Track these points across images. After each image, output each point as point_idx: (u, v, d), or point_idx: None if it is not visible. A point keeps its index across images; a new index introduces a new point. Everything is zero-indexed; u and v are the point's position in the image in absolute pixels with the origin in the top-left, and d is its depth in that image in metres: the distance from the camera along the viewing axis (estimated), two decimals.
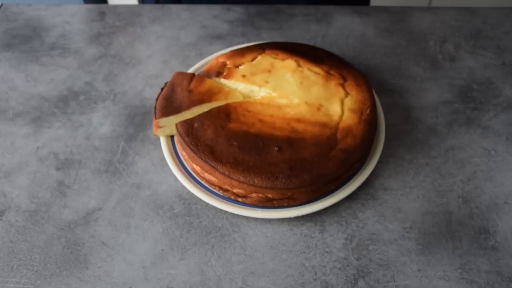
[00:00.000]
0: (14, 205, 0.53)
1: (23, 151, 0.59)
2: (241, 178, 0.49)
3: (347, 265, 0.48)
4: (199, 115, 0.54)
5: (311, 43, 0.73)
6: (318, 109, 0.54)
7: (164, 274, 0.48)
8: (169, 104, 0.56)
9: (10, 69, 0.69)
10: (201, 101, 0.56)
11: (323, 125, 0.53)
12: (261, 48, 0.62)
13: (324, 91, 0.56)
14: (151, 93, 0.66)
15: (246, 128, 0.52)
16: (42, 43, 0.73)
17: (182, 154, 0.55)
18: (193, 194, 0.53)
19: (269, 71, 0.59)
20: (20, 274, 0.48)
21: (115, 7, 0.80)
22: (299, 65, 0.59)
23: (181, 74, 0.59)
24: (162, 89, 0.58)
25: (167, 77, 0.68)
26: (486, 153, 0.58)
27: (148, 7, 0.80)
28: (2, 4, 0.81)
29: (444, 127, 0.61)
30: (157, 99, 0.57)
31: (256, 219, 0.52)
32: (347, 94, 0.56)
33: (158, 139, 0.59)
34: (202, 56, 0.70)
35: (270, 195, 0.50)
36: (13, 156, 0.58)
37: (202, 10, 0.79)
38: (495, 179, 0.55)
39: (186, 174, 0.53)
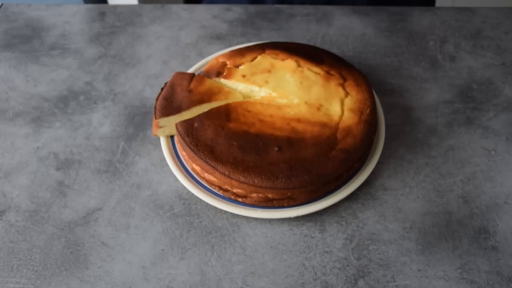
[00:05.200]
0: (14, 205, 0.53)
1: (23, 151, 0.59)
2: (241, 178, 0.49)
3: (347, 265, 0.48)
4: (199, 115, 0.54)
5: (311, 43, 0.73)
6: (318, 109, 0.54)
7: (164, 274, 0.48)
8: (169, 104, 0.56)
9: (10, 69, 0.69)
10: (201, 101, 0.56)
11: (323, 125, 0.53)
12: (261, 48, 0.62)
13: (324, 91, 0.56)
14: (151, 93, 0.66)
15: (246, 128, 0.52)
16: (42, 43, 0.73)
17: (182, 154, 0.55)
18: (193, 194, 0.53)
19: (269, 71, 0.59)
20: (20, 274, 0.48)
21: (115, 7, 0.80)
22: (299, 65, 0.59)
23: (181, 74, 0.59)
24: (162, 89, 0.58)
25: (167, 77, 0.68)
26: (486, 153, 0.58)
27: (148, 7, 0.80)
28: (2, 4, 0.81)
29: (444, 127, 0.61)
30: (157, 99, 0.57)
31: (256, 219, 0.52)
32: (347, 94, 0.57)
33: (158, 139, 0.59)
34: (202, 56, 0.70)
35: (270, 195, 0.50)
36: (13, 156, 0.58)
37: (202, 10, 0.79)
38: (495, 179, 0.55)
39: (186, 174, 0.54)
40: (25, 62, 0.70)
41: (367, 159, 0.55)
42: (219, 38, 0.74)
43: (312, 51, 0.62)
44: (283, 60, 0.60)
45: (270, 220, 0.52)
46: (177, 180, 0.55)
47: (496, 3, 0.84)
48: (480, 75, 0.68)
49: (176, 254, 0.49)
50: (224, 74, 0.59)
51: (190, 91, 0.57)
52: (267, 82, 0.57)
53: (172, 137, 0.58)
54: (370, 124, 0.54)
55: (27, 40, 0.74)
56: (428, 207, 0.53)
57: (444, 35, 0.74)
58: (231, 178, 0.49)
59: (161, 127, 0.56)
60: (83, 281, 0.47)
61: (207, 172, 0.51)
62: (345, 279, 0.47)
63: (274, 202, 0.51)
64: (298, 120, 0.53)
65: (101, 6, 0.80)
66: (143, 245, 0.50)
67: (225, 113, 0.54)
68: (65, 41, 0.74)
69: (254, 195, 0.51)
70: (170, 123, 0.56)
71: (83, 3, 0.83)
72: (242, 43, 0.71)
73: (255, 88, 0.57)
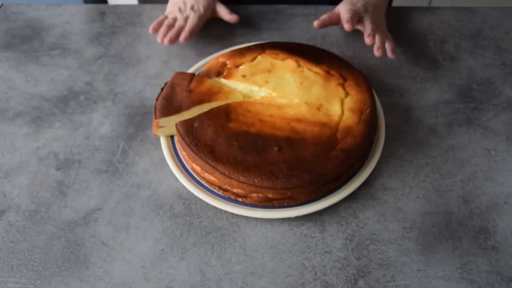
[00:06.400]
0: (14, 205, 0.53)
1: (23, 151, 0.59)
2: (241, 178, 0.49)
3: (347, 265, 0.48)
4: (199, 115, 0.54)
5: (311, 43, 0.73)
6: (318, 109, 0.54)
7: (164, 274, 0.48)
8: (169, 104, 0.56)
9: (10, 69, 0.69)
10: (201, 101, 0.56)
11: (323, 125, 0.53)
12: (261, 48, 0.62)
13: (324, 91, 0.56)
14: (151, 93, 0.66)
15: (246, 128, 0.52)
16: (42, 43, 0.73)
17: (182, 154, 0.55)
18: (193, 194, 0.53)
19: (269, 71, 0.59)
20: (20, 274, 0.48)
21: (115, 7, 0.80)
22: (299, 65, 0.59)
23: (181, 74, 0.59)
24: (162, 89, 0.58)
25: (167, 77, 0.68)
26: (486, 153, 0.58)
27: (148, 7, 0.80)
28: (2, 4, 0.81)
29: (444, 127, 0.61)
30: (157, 99, 0.57)
31: (256, 219, 0.52)
32: (347, 94, 0.57)
33: (158, 139, 0.59)
34: (202, 56, 0.70)
35: (270, 195, 0.50)
36: (13, 156, 0.58)
37: None
38: (495, 179, 0.55)
39: (186, 174, 0.54)
40: (25, 62, 0.70)
41: (367, 159, 0.55)
42: (219, 38, 0.74)
43: (312, 51, 0.62)
44: (283, 60, 0.60)
45: (270, 220, 0.52)
46: (177, 180, 0.55)
47: (496, 3, 0.84)
48: (480, 75, 0.68)
49: (176, 254, 0.49)
50: (224, 74, 0.59)
51: (190, 91, 0.57)
52: (267, 82, 0.57)
53: (172, 137, 0.58)
54: (370, 124, 0.54)
55: (27, 40, 0.74)
56: (428, 207, 0.53)
57: (444, 35, 0.74)
58: (231, 178, 0.49)
59: (161, 127, 0.56)
60: (83, 281, 0.47)
61: (207, 172, 0.51)
62: (345, 279, 0.47)
63: (274, 202, 0.51)
64: (298, 120, 0.53)
65: (101, 6, 0.80)
66: (143, 245, 0.50)
67: (225, 113, 0.54)
68: (65, 41, 0.74)
69: (254, 195, 0.51)
70: (170, 123, 0.56)
71: (83, 3, 0.83)
72: (242, 43, 0.71)
73: (255, 88, 0.57)
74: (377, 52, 0.63)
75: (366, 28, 0.65)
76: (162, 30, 0.68)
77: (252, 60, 0.60)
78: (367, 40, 0.63)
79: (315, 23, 0.66)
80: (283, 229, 0.51)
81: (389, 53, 0.65)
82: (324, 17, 0.67)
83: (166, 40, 0.67)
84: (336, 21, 0.67)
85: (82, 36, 0.75)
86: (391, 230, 0.51)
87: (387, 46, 0.65)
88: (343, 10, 0.66)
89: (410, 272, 0.48)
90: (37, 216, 0.52)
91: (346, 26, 0.63)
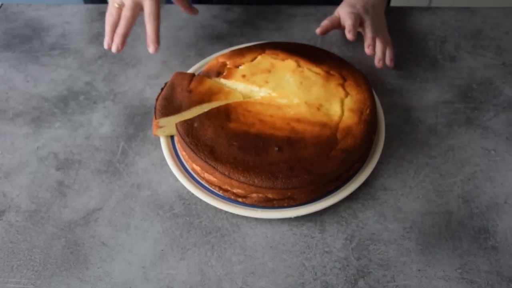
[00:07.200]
0: (14, 205, 0.53)
1: (23, 151, 0.59)
2: (241, 178, 0.49)
3: (347, 265, 0.48)
4: (199, 115, 0.54)
5: (311, 43, 0.73)
6: (318, 109, 0.54)
7: (164, 274, 0.48)
8: (169, 104, 0.56)
9: (10, 69, 0.69)
10: (201, 101, 0.56)
11: (323, 125, 0.53)
12: (261, 48, 0.62)
13: (324, 91, 0.56)
14: (151, 93, 0.66)
15: (246, 128, 0.52)
16: (42, 43, 0.73)
17: (182, 154, 0.55)
18: (193, 194, 0.53)
19: (269, 71, 0.59)
20: (20, 274, 0.48)
21: None
22: (299, 65, 0.59)
23: (181, 74, 0.59)
24: (162, 89, 0.58)
25: (167, 77, 0.67)
26: (486, 153, 0.58)
27: None
28: (2, 4, 0.81)
29: (444, 127, 0.61)
30: (157, 99, 0.57)
31: (256, 219, 0.52)
32: (347, 94, 0.57)
33: (158, 139, 0.59)
34: (202, 56, 0.70)
35: (270, 195, 0.50)
36: (13, 156, 0.58)
37: (202, 10, 0.79)
38: (495, 179, 0.55)
39: (186, 174, 0.54)
40: (25, 62, 0.70)
41: (367, 159, 0.55)
42: (219, 38, 0.74)
43: (312, 51, 0.62)
44: (283, 60, 0.60)
45: (270, 220, 0.52)
46: (177, 180, 0.55)
47: (496, 3, 0.84)
48: (480, 75, 0.68)
49: (176, 254, 0.49)
50: (224, 74, 0.59)
51: (190, 91, 0.57)
52: (267, 82, 0.57)
53: (172, 137, 0.58)
54: (370, 124, 0.54)
55: (27, 40, 0.74)
56: (428, 207, 0.53)
57: (444, 35, 0.74)
58: (231, 178, 0.49)
59: (161, 127, 0.56)
60: (83, 281, 0.47)
61: (207, 172, 0.51)
62: (345, 279, 0.47)
63: (274, 202, 0.51)
64: (298, 120, 0.53)
65: (101, 6, 0.80)
66: (143, 245, 0.50)
67: (225, 113, 0.54)
68: (65, 41, 0.74)
69: (254, 195, 0.51)
70: (170, 123, 0.56)
71: (83, 3, 0.83)
72: (242, 43, 0.71)
73: (255, 88, 0.57)
74: (378, 64, 0.64)
75: (367, 35, 0.64)
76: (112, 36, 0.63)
77: (252, 60, 0.60)
78: (367, 50, 0.63)
79: (317, 31, 0.66)
80: (283, 229, 0.51)
81: (388, 61, 0.66)
82: (325, 22, 0.66)
83: (113, 49, 0.62)
84: (337, 25, 0.67)
85: (82, 36, 0.75)
86: (391, 230, 0.51)
87: (387, 53, 0.65)
88: (343, 13, 0.65)
89: (410, 272, 0.48)
90: (37, 216, 0.52)
91: (349, 36, 0.62)
